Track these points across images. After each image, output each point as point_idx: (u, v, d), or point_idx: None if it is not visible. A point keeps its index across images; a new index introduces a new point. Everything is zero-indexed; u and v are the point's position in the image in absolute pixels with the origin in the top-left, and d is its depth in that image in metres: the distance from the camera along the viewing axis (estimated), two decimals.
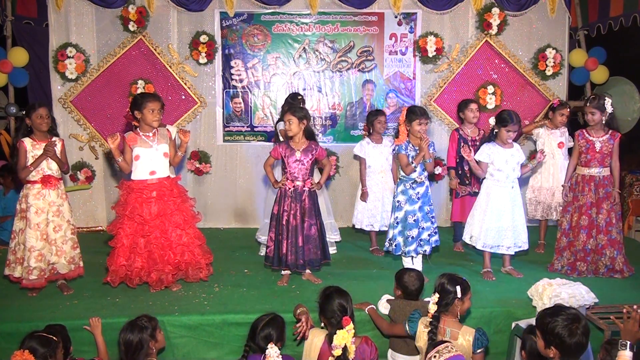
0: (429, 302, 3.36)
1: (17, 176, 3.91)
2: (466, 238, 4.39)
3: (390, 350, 3.33)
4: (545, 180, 5.06)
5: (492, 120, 4.31)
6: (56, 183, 3.97)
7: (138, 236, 3.91)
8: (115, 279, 3.91)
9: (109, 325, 3.33)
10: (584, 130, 4.42)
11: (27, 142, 3.88)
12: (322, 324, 3.06)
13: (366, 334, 3.28)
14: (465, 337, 2.86)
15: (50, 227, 3.91)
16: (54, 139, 3.98)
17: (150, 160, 3.95)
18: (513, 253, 4.31)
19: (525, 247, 4.32)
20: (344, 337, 2.67)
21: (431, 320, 2.85)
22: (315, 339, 3.01)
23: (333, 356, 2.70)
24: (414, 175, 4.18)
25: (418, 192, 4.20)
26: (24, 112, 3.95)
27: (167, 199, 3.98)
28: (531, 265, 4.57)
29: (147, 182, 3.95)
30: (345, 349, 2.67)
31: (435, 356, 2.62)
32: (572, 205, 4.44)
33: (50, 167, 3.94)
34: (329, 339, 2.87)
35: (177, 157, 4.11)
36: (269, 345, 2.71)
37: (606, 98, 4.28)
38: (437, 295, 2.87)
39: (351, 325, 2.72)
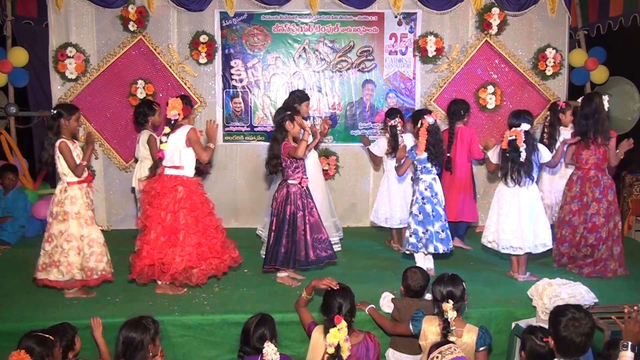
0: (431, 300, 3.39)
1: (76, 172, 3.84)
2: (485, 241, 4.41)
3: (391, 350, 3.33)
4: (547, 185, 5.11)
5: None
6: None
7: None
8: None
9: (109, 325, 3.34)
10: None
11: (67, 141, 3.85)
12: (324, 320, 3.07)
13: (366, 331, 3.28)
14: (469, 335, 2.89)
15: None
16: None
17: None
18: (541, 251, 4.29)
19: (549, 245, 4.31)
20: (336, 335, 2.68)
21: (444, 325, 2.87)
22: (322, 336, 3.02)
23: (327, 353, 2.71)
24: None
25: (436, 193, 4.39)
26: (55, 112, 3.88)
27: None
28: (531, 265, 4.56)
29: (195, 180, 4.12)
30: (338, 347, 2.68)
31: (437, 357, 2.62)
32: (569, 204, 4.46)
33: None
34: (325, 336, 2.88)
35: None
36: (265, 344, 2.73)
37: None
38: (450, 302, 2.88)
39: (343, 324, 2.72)
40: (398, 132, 4.80)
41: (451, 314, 2.84)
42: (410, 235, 4.35)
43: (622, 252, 4.44)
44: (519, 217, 4.19)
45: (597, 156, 4.33)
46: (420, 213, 4.31)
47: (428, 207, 4.30)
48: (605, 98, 4.31)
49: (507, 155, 4.17)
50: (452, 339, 2.82)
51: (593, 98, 4.35)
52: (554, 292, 3.36)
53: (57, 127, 3.83)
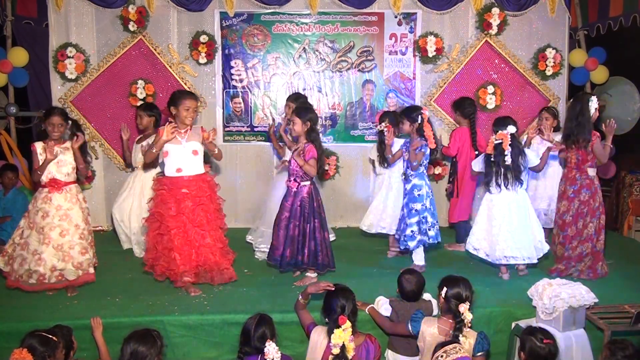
0: (429, 301, 3.39)
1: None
2: (470, 248, 4.36)
3: (389, 351, 3.33)
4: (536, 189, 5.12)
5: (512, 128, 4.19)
6: (63, 187, 3.94)
7: (161, 233, 3.89)
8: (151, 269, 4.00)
9: (109, 324, 3.35)
10: None
11: (38, 145, 3.88)
12: (326, 321, 3.07)
13: (367, 332, 3.28)
14: (467, 340, 2.89)
15: (56, 231, 3.86)
16: (66, 143, 3.97)
17: (177, 157, 3.91)
18: (540, 256, 4.30)
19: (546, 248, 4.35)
20: (341, 336, 2.69)
21: (458, 325, 2.90)
22: (322, 336, 3.02)
23: (332, 354, 2.72)
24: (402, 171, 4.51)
25: (405, 188, 4.45)
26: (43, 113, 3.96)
27: (192, 197, 3.91)
28: (530, 266, 4.56)
29: (173, 180, 3.91)
30: (343, 347, 2.69)
31: (442, 356, 2.64)
32: (557, 203, 4.48)
33: (60, 170, 3.92)
34: (329, 336, 2.88)
35: (217, 155, 4.12)
36: (267, 343, 2.73)
37: (592, 97, 4.34)
38: (467, 303, 2.92)
39: (348, 324, 2.73)
40: (385, 138, 4.62)
41: (468, 316, 2.87)
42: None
43: (592, 255, 4.33)
44: (513, 225, 4.18)
45: (577, 156, 4.30)
46: (430, 206, 4.39)
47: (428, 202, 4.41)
48: (593, 99, 4.28)
49: (492, 160, 4.16)
50: (462, 339, 2.83)
51: (579, 99, 4.32)
52: (554, 292, 3.35)
53: (39, 131, 4.00)
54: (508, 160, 4.10)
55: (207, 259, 3.94)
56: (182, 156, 3.91)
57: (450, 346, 2.66)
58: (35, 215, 3.86)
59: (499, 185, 4.16)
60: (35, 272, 3.81)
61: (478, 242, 4.32)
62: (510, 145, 4.09)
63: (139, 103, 5.89)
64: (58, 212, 3.88)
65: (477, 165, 4.36)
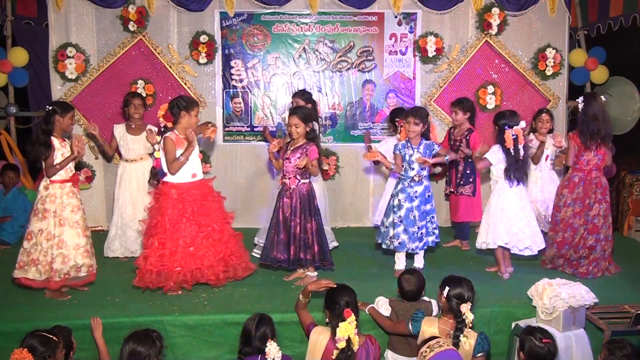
0: (429, 301, 3.39)
1: (46, 172, 3.83)
2: (499, 242, 4.28)
3: (388, 352, 3.33)
4: (537, 193, 5.08)
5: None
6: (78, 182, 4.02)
7: (192, 237, 3.90)
8: (169, 283, 3.84)
9: (109, 325, 3.35)
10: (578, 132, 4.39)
11: (55, 139, 3.85)
12: (327, 319, 3.06)
13: (367, 333, 3.28)
14: (467, 340, 2.89)
15: (84, 225, 3.93)
16: (67, 141, 3.98)
17: (192, 163, 3.99)
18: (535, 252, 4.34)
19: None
20: (347, 329, 2.69)
21: (459, 326, 2.91)
22: (321, 336, 3.02)
23: (337, 349, 2.72)
24: (411, 174, 4.25)
25: (416, 191, 4.27)
26: (50, 108, 3.87)
27: (211, 198, 4.04)
28: (531, 266, 4.56)
29: (190, 185, 3.98)
30: (349, 340, 2.69)
31: (426, 351, 2.65)
32: (569, 206, 4.44)
33: (72, 166, 3.95)
34: (333, 331, 2.87)
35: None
36: (268, 343, 2.73)
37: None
38: (469, 303, 2.93)
39: (353, 317, 2.74)
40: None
41: (470, 316, 2.88)
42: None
43: (611, 250, 4.48)
44: (529, 217, 4.25)
45: (598, 157, 4.32)
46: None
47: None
48: (604, 98, 4.32)
49: (512, 154, 4.16)
50: (462, 340, 2.83)
51: (593, 98, 4.31)
52: (554, 292, 3.36)
53: (52, 124, 3.84)
54: (522, 153, 4.15)
55: (234, 250, 4.06)
56: (195, 161, 4.02)
57: (434, 341, 2.67)
58: (63, 211, 3.82)
59: (516, 179, 4.20)
60: (83, 265, 3.85)
61: (501, 237, 4.23)
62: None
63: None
64: (81, 205, 3.95)
65: (495, 158, 4.24)
